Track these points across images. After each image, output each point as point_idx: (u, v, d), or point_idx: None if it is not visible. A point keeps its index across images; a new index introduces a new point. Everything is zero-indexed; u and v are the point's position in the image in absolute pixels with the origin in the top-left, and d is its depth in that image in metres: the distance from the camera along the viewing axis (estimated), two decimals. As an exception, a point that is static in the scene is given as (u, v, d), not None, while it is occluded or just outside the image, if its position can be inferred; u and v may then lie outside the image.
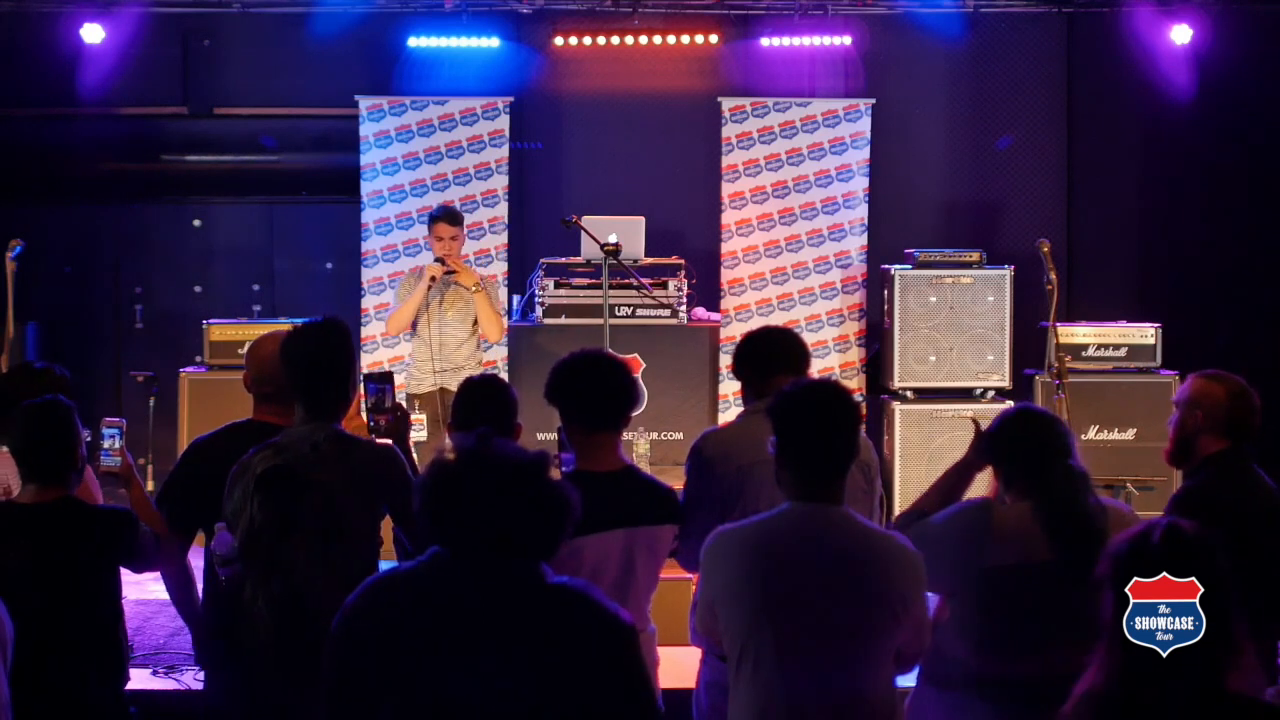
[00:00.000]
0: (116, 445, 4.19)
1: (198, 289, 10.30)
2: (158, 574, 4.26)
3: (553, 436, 3.96)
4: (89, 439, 4.11)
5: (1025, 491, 3.47)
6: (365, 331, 9.16)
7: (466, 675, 2.61)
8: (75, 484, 3.98)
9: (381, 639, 2.65)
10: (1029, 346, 8.54)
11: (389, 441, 4.09)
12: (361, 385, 4.27)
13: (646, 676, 2.72)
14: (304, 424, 3.85)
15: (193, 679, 5.62)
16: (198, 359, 8.80)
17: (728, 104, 9.25)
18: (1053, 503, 3.39)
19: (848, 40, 9.85)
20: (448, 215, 7.42)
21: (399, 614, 2.67)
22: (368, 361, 8.91)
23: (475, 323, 7.43)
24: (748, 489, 3.88)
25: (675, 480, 4.02)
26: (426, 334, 7.32)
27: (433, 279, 7.25)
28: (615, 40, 9.89)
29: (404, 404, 4.32)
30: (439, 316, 7.35)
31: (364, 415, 4.29)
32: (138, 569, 4.14)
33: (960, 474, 3.82)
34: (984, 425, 3.74)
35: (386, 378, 4.19)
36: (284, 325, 7.86)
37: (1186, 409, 4.05)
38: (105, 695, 3.95)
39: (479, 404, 4.02)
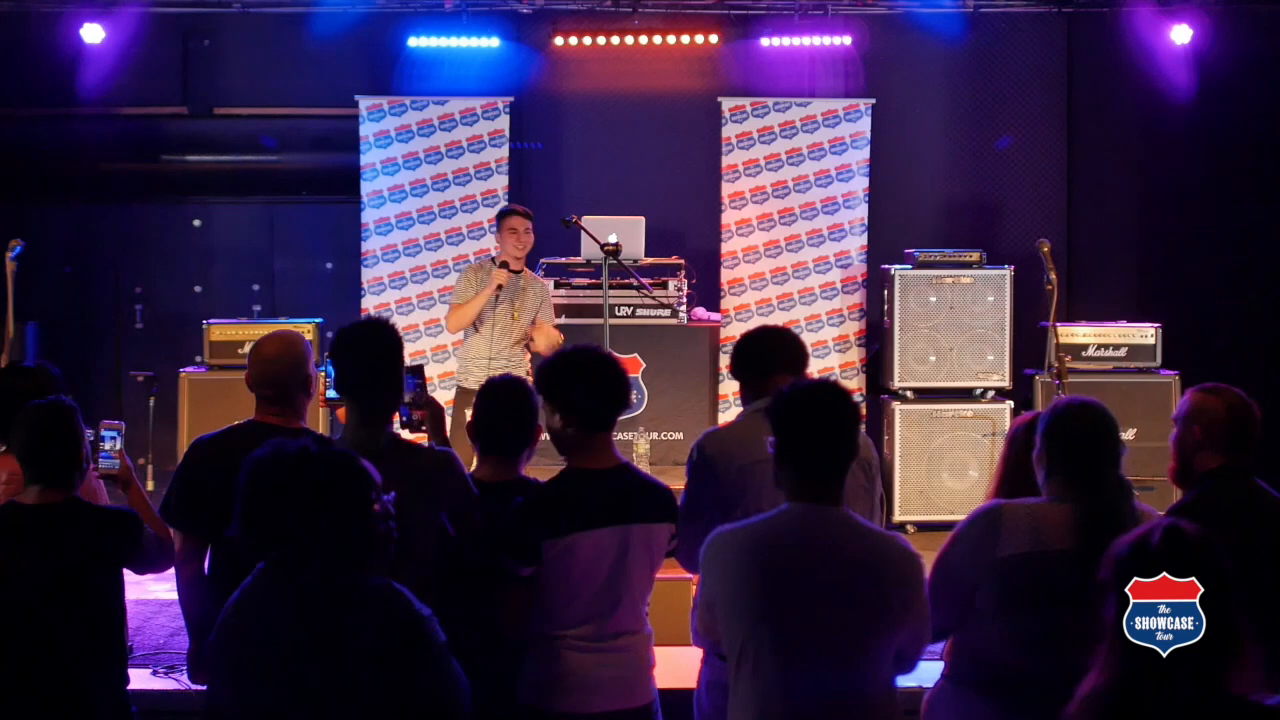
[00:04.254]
0: (116, 447, 4.19)
1: (198, 289, 10.30)
2: (157, 574, 4.26)
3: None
4: (90, 439, 4.11)
5: (1068, 490, 3.44)
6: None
7: (275, 679, 2.74)
8: (79, 484, 3.97)
9: (227, 659, 2.82)
10: (1029, 346, 8.54)
11: (421, 438, 4.05)
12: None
13: (443, 667, 2.82)
14: (360, 428, 3.80)
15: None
16: (198, 359, 8.80)
17: (728, 104, 9.26)
18: (1097, 508, 3.36)
19: (848, 40, 9.85)
20: (520, 210, 7.51)
21: (235, 631, 2.82)
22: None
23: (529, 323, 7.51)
24: (750, 488, 3.87)
25: (675, 480, 4.01)
26: (488, 332, 7.35)
27: (499, 286, 7.29)
28: (615, 40, 9.89)
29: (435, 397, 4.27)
30: (498, 317, 7.38)
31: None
32: (141, 570, 4.13)
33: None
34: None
35: (419, 371, 4.17)
36: (284, 325, 7.96)
37: (1184, 425, 3.95)
38: (107, 696, 3.95)
39: (500, 405, 4.00)
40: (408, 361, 4.02)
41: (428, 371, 8.96)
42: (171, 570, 4.18)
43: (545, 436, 3.95)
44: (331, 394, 4.29)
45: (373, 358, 3.84)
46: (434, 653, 2.81)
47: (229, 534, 2.85)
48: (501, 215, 7.52)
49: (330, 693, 2.72)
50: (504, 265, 7.32)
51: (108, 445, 4.18)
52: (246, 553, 2.86)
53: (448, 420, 4.42)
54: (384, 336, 3.90)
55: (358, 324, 3.97)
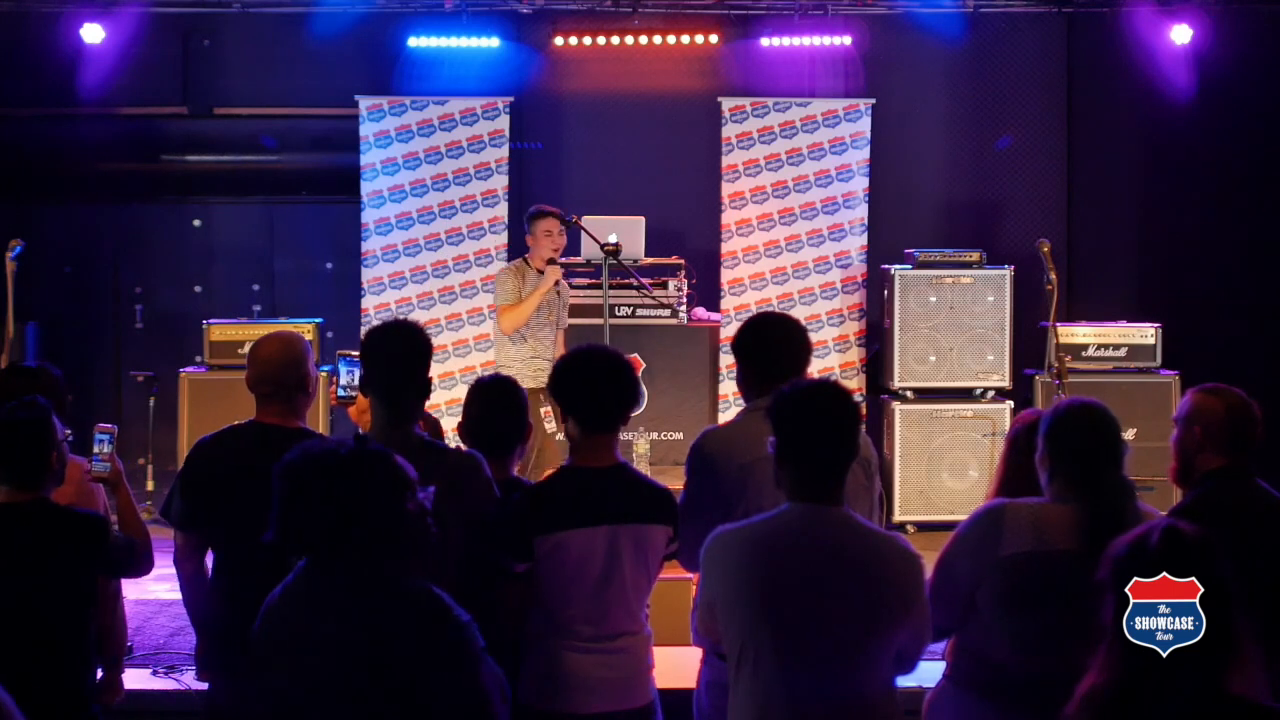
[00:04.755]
0: (106, 451, 4.18)
1: (198, 289, 10.31)
2: (158, 574, 4.26)
3: (555, 436, 3.96)
4: (71, 438, 4.10)
5: (1070, 491, 3.44)
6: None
7: (309, 679, 2.74)
8: (51, 486, 3.97)
9: (263, 656, 2.82)
10: (1029, 346, 8.54)
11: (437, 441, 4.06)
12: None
13: (479, 674, 2.80)
14: (387, 428, 3.81)
15: (193, 679, 5.61)
16: (198, 359, 8.81)
17: (728, 104, 9.25)
18: (1100, 508, 3.36)
19: (848, 40, 9.85)
20: (555, 212, 7.49)
21: (273, 629, 2.83)
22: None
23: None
24: (750, 486, 3.85)
25: (674, 480, 4.01)
26: (539, 334, 7.36)
27: (557, 281, 7.30)
28: (615, 40, 9.90)
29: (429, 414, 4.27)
30: (545, 317, 7.39)
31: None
32: (110, 575, 4.13)
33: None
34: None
35: None
36: (284, 325, 7.96)
37: (1185, 426, 3.95)
38: (68, 698, 3.94)
39: (491, 406, 4.01)
40: None
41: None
42: (172, 571, 4.18)
43: (560, 437, 3.96)
44: (341, 393, 4.29)
45: (404, 360, 3.86)
46: (471, 660, 2.79)
47: (265, 539, 2.83)
48: (535, 217, 7.47)
49: (363, 696, 2.71)
50: (551, 262, 7.34)
51: (98, 449, 4.18)
52: (284, 555, 2.84)
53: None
54: (415, 339, 3.92)
55: (388, 325, 3.99)
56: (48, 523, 3.89)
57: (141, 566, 4.14)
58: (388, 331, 3.95)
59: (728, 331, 9.10)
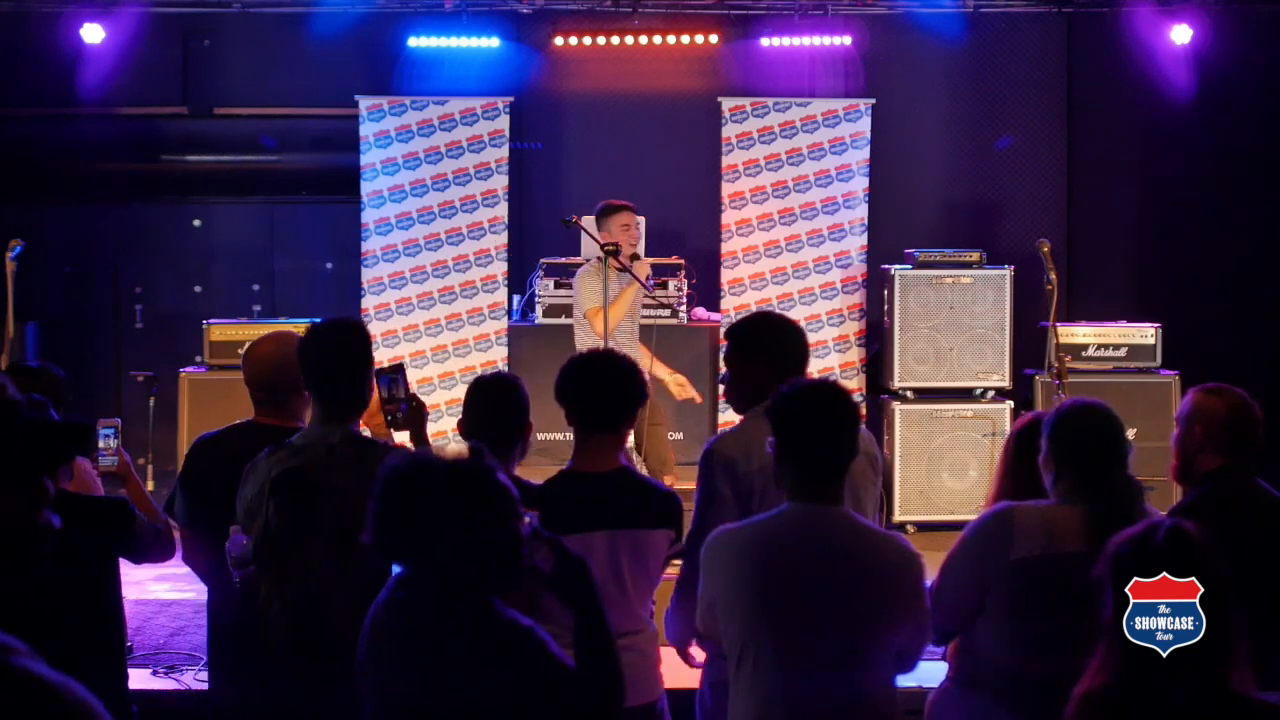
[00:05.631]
0: (112, 445, 4.20)
1: (198, 289, 10.30)
2: (158, 574, 4.27)
3: (555, 436, 3.96)
4: None
5: (1076, 493, 3.44)
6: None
7: (383, 688, 2.72)
8: (64, 478, 3.96)
9: (366, 657, 2.77)
10: (1029, 346, 8.54)
11: (405, 440, 4.06)
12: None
13: (545, 676, 2.74)
14: (320, 425, 3.81)
15: (193, 679, 5.62)
16: (198, 359, 8.80)
17: (728, 104, 9.25)
18: (1109, 510, 3.35)
19: (848, 40, 9.85)
20: (629, 206, 7.39)
21: (368, 640, 2.78)
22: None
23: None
24: (770, 488, 3.83)
25: (673, 480, 4.00)
26: (625, 328, 7.35)
27: (647, 278, 7.26)
28: (615, 40, 9.89)
29: (417, 394, 4.26)
30: (639, 312, 7.35)
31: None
32: (137, 559, 4.13)
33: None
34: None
35: (396, 369, 4.17)
36: (284, 325, 7.96)
37: (1186, 425, 3.95)
38: (105, 690, 3.92)
39: (491, 404, 4.00)
40: (388, 362, 4.02)
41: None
42: (171, 570, 4.18)
43: (544, 436, 3.94)
44: None
45: (334, 356, 3.83)
46: (532, 683, 2.72)
47: (363, 539, 2.79)
48: (610, 211, 7.36)
49: (441, 706, 2.67)
50: (635, 258, 7.29)
51: (103, 443, 4.19)
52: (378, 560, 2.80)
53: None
54: (347, 336, 3.89)
55: (326, 323, 3.97)
56: (74, 512, 3.88)
57: (168, 550, 4.13)
58: (324, 328, 3.93)
59: (728, 331, 9.09)
